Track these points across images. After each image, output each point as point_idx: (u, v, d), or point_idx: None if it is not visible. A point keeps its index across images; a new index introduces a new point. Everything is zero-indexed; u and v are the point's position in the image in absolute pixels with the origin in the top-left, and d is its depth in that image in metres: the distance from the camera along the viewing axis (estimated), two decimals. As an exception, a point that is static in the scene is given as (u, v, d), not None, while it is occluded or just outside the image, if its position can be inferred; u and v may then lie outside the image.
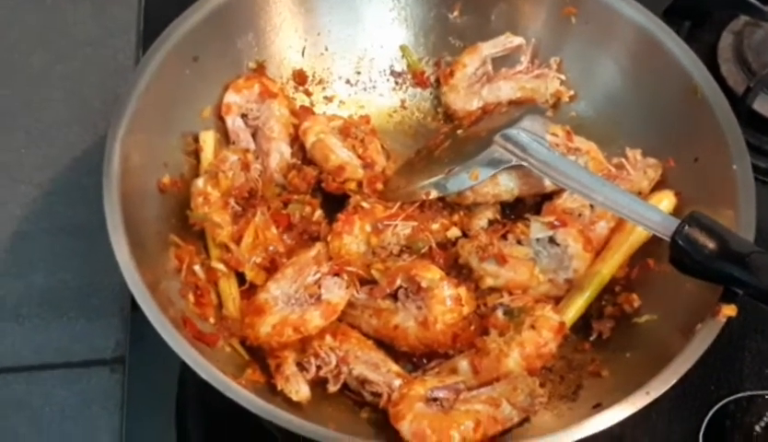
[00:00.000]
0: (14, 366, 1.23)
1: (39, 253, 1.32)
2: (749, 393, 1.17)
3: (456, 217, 1.24)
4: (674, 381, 0.97)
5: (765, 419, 1.15)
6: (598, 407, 0.99)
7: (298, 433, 0.95)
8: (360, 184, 1.25)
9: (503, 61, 1.38)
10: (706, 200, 1.16)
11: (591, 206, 1.22)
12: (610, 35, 1.31)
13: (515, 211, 1.27)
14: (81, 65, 1.51)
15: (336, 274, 1.14)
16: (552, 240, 1.19)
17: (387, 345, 1.15)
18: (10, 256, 1.33)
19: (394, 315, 1.14)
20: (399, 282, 1.15)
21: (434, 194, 1.21)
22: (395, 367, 1.11)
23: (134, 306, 1.03)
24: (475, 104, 1.35)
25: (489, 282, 1.18)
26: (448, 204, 1.24)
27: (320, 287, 1.13)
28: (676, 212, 1.19)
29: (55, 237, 1.33)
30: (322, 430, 0.96)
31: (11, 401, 1.21)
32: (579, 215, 1.22)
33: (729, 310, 1.02)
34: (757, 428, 1.14)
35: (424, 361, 1.15)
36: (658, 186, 1.24)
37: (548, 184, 1.21)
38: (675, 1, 1.53)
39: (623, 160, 1.26)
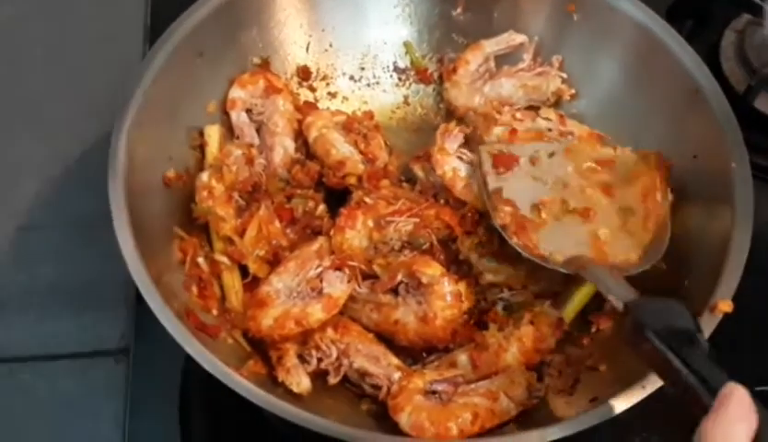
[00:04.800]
0: (19, 356, 1.25)
1: (45, 246, 1.34)
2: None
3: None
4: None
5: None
6: (594, 401, 1.00)
7: (299, 424, 0.96)
8: (361, 179, 1.26)
9: (505, 58, 1.39)
10: (704, 197, 1.18)
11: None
12: (611, 33, 1.31)
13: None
14: (88, 60, 1.52)
15: (338, 268, 1.15)
16: (551, 236, 1.20)
17: (387, 339, 1.16)
18: (17, 249, 1.34)
19: (395, 310, 1.15)
20: (400, 277, 1.16)
21: None
22: (395, 361, 1.13)
23: (139, 298, 1.04)
24: (477, 100, 1.35)
25: (489, 278, 1.19)
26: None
27: (321, 281, 1.14)
28: (674, 208, 1.20)
29: (61, 230, 1.35)
30: (323, 421, 0.97)
31: (16, 391, 1.22)
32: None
33: (725, 306, 1.03)
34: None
35: (424, 355, 1.16)
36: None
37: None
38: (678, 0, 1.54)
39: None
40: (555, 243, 1.16)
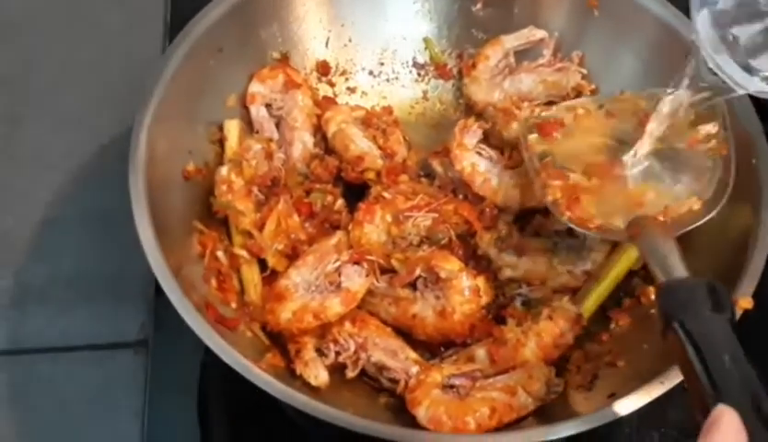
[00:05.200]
0: (40, 347, 1.26)
1: (66, 238, 1.35)
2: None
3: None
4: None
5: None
6: (613, 396, 1.00)
7: (317, 416, 0.96)
8: (379, 174, 1.26)
9: (525, 54, 1.38)
10: (726, 194, 1.17)
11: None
12: (632, 29, 1.31)
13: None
14: (109, 55, 1.53)
15: (356, 263, 1.15)
16: (570, 232, 1.19)
17: (405, 333, 1.16)
18: (38, 241, 1.35)
19: (413, 304, 1.15)
20: (418, 272, 1.16)
21: None
22: (413, 355, 1.13)
23: (158, 290, 1.04)
24: (497, 96, 1.35)
25: (507, 273, 1.19)
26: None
27: (340, 275, 1.14)
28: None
29: (82, 222, 1.36)
30: (340, 414, 0.97)
31: (36, 382, 1.23)
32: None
33: (746, 303, 1.02)
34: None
35: (442, 349, 1.16)
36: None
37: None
38: (699, -5, 1.53)
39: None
40: (611, 208, 1.09)
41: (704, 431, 0.72)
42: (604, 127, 1.19)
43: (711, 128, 1.12)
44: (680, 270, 0.96)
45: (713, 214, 1.08)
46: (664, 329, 0.89)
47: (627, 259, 1.19)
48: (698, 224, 1.07)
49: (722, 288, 0.90)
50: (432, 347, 1.16)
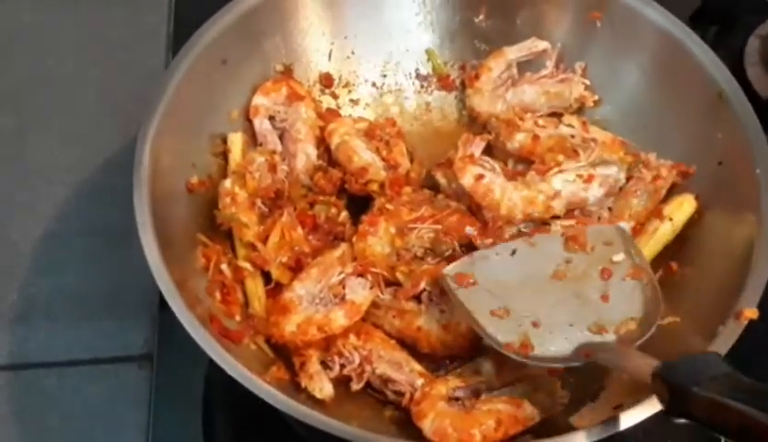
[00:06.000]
0: (45, 362, 1.26)
1: (70, 252, 1.35)
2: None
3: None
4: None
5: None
6: (618, 408, 1.00)
7: (322, 429, 0.96)
8: (383, 186, 1.26)
9: (528, 65, 1.39)
10: (729, 203, 1.17)
11: (610, 208, 1.24)
12: (634, 40, 1.31)
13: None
14: (113, 69, 1.53)
15: (360, 275, 1.16)
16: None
17: (409, 346, 1.16)
18: (42, 255, 1.35)
19: (417, 317, 1.16)
20: (423, 285, 1.16)
21: None
22: (418, 367, 1.12)
23: (163, 304, 1.04)
24: (499, 107, 1.36)
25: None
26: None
27: (344, 287, 1.14)
28: (698, 216, 1.20)
29: (87, 236, 1.36)
30: (346, 427, 0.97)
31: (42, 396, 1.23)
32: (599, 217, 1.23)
33: (751, 313, 1.02)
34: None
35: (447, 362, 1.16)
36: (680, 189, 1.24)
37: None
38: (702, 5, 1.53)
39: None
40: (556, 343, 1.06)
41: None
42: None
43: (617, 258, 1.13)
44: (653, 360, 0.93)
45: (649, 332, 1.05)
46: (680, 405, 0.87)
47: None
48: (640, 342, 1.04)
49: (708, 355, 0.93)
50: (436, 359, 1.16)
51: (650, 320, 1.06)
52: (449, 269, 1.14)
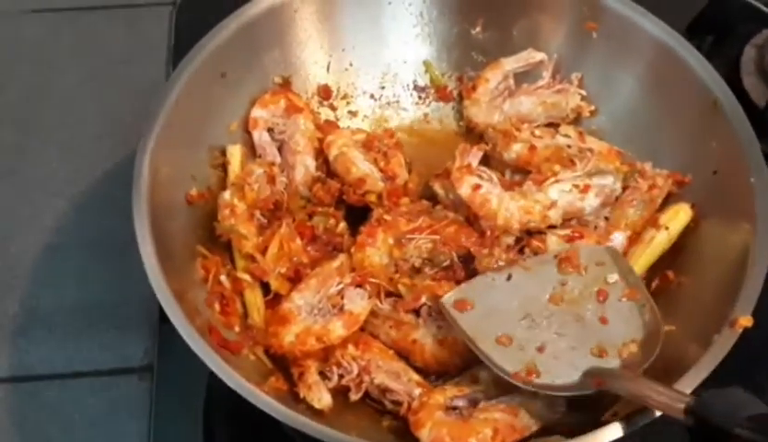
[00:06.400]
0: (46, 374, 1.26)
1: (70, 265, 1.36)
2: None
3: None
4: (689, 391, 0.97)
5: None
6: (615, 415, 1.00)
7: (321, 439, 0.96)
8: (381, 197, 1.27)
9: (524, 76, 1.40)
10: (724, 212, 1.17)
11: (606, 218, 1.24)
12: (630, 50, 1.32)
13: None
14: (113, 82, 1.55)
15: (359, 285, 1.16)
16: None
17: (403, 358, 1.16)
18: (43, 267, 1.36)
19: (414, 329, 1.16)
20: (423, 299, 1.17)
21: None
22: (415, 377, 1.13)
23: (163, 315, 1.05)
24: (497, 118, 1.36)
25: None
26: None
27: (342, 298, 1.14)
28: (693, 224, 1.21)
29: (87, 248, 1.37)
30: (344, 437, 0.97)
31: (43, 408, 1.23)
32: (595, 227, 1.23)
33: (745, 321, 1.02)
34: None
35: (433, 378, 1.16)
36: (675, 198, 1.25)
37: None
38: (698, 16, 1.54)
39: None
40: (561, 368, 1.06)
41: None
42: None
43: (611, 279, 1.14)
44: (685, 395, 0.93)
45: (656, 353, 1.04)
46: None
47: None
48: (645, 366, 1.03)
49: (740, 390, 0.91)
50: (427, 375, 1.16)
51: (652, 343, 1.06)
52: (447, 297, 1.14)
